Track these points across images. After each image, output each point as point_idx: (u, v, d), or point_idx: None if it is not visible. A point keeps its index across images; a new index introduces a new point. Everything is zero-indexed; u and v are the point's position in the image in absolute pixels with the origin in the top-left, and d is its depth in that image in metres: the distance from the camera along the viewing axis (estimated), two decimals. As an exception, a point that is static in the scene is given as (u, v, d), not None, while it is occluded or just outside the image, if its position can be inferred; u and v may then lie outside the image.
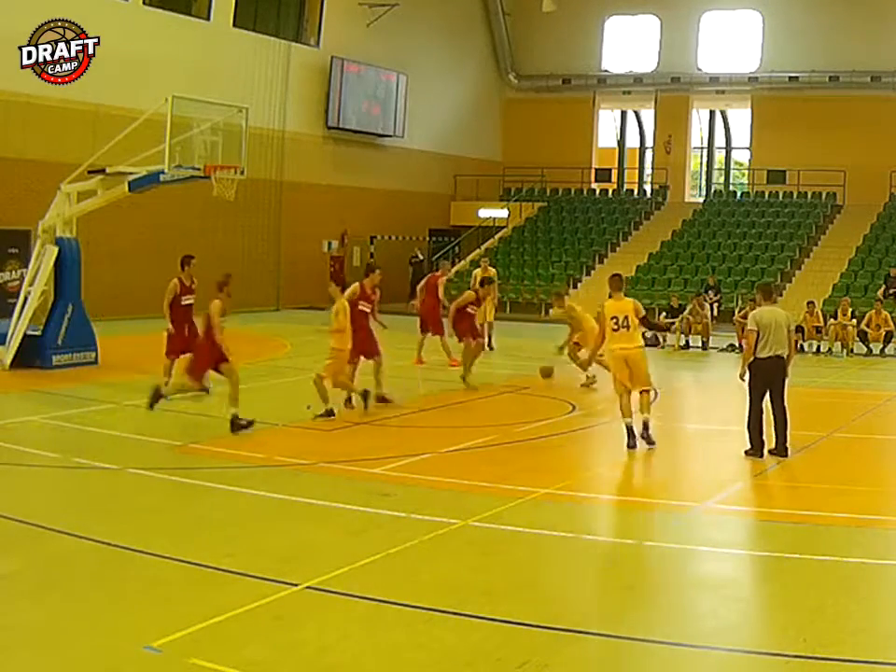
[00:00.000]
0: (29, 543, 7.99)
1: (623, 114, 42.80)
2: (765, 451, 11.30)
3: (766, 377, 11.27)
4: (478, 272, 22.89)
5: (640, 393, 11.98)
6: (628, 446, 11.73)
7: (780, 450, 11.31)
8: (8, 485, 9.97)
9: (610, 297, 12.30)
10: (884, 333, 22.82)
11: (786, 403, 11.38)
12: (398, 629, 6.41)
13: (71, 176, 17.73)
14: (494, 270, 23.43)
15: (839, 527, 8.73)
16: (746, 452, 11.35)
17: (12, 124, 23.70)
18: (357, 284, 14.51)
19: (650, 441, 11.85)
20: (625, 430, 11.80)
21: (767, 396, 11.36)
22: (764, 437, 11.33)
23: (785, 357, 11.36)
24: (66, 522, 8.45)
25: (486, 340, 21.74)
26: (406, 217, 36.18)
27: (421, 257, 35.88)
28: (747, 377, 11.44)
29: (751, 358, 11.35)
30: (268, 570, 7.28)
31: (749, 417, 11.36)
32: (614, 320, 11.93)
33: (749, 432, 11.34)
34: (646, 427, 11.85)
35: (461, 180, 38.59)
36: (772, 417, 11.38)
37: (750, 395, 11.40)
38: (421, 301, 19.84)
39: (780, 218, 35.02)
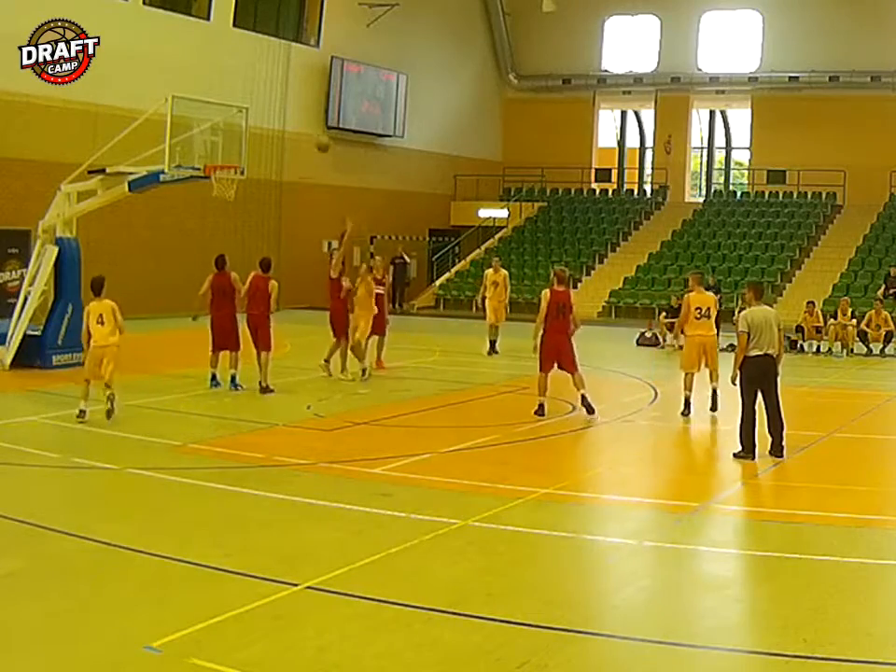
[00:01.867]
0: (29, 543, 7.98)
1: (623, 114, 42.81)
2: (757, 453, 11.24)
3: (757, 376, 11.23)
4: (489, 272, 22.32)
5: (711, 372, 14.21)
6: (682, 414, 13.96)
7: (777, 451, 11.29)
8: (8, 485, 9.96)
9: (691, 291, 14.49)
10: (884, 333, 22.80)
11: (780, 403, 11.36)
12: (397, 629, 6.41)
13: (71, 176, 17.73)
14: (505, 271, 22.70)
15: (839, 527, 8.73)
16: (735, 454, 11.30)
17: (12, 124, 23.70)
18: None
19: (714, 408, 14.07)
20: (683, 401, 14.00)
21: (760, 398, 11.33)
22: (756, 439, 11.29)
23: (775, 356, 11.35)
24: (66, 522, 8.45)
25: (488, 346, 21.41)
26: (406, 216, 36.17)
27: (408, 259, 35.01)
28: (738, 379, 11.44)
29: (742, 359, 11.35)
30: (268, 570, 7.28)
31: (742, 419, 11.31)
32: (698, 310, 14.14)
33: (741, 434, 11.29)
34: (714, 394, 14.09)
35: (461, 180, 38.59)
36: (766, 418, 11.34)
37: (742, 396, 11.37)
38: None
39: (780, 218, 35.03)
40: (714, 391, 14.10)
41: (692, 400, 14.03)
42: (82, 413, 12.81)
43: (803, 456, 11.66)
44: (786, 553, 8.07)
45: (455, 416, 14.19)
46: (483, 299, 21.87)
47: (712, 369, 14.22)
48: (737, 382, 11.37)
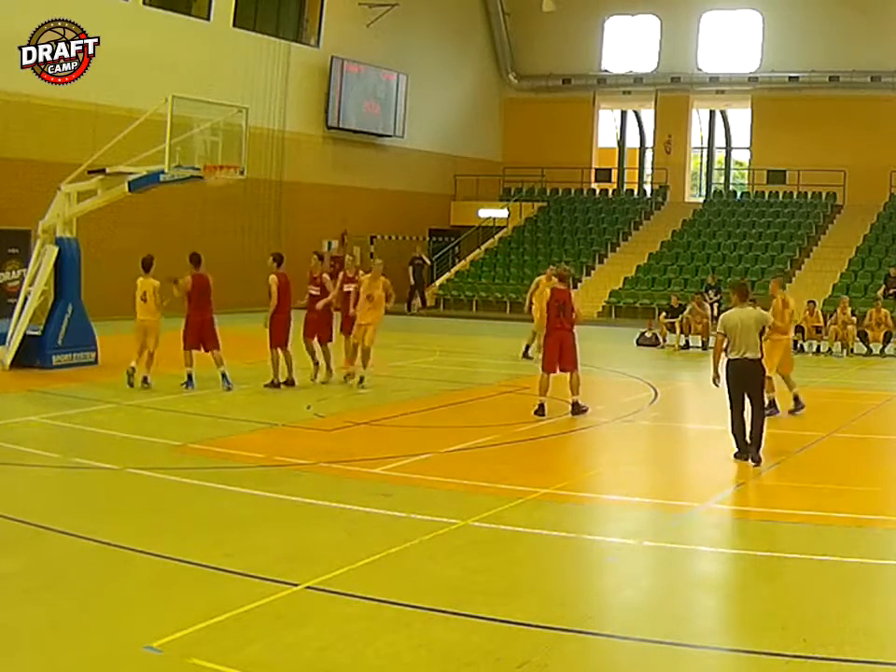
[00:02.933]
0: (29, 543, 7.98)
1: (623, 114, 42.82)
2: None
3: (737, 379, 11.02)
4: (542, 279, 20.46)
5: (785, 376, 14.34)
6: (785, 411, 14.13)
7: (753, 455, 10.99)
8: (8, 485, 9.97)
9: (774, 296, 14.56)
10: (884, 333, 22.81)
11: (763, 408, 11.20)
12: (397, 629, 6.41)
13: (71, 176, 17.73)
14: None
15: (839, 527, 8.73)
16: (734, 455, 11.21)
17: (12, 124, 23.71)
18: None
19: (798, 408, 14.24)
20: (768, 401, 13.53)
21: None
22: (748, 438, 11.15)
23: (757, 359, 11.05)
24: (66, 522, 8.45)
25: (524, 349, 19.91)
26: (406, 216, 36.18)
27: (427, 260, 34.69)
28: (721, 381, 11.28)
29: (721, 360, 11.16)
30: (268, 570, 7.28)
31: (731, 420, 11.16)
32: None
33: (733, 436, 11.18)
34: (796, 399, 14.28)
35: (461, 180, 38.60)
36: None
37: (729, 398, 11.17)
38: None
39: (780, 218, 35.03)
40: (795, 397, 14.27)
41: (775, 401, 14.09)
42: (145, 379, 15.06)
43: (803, 456, 11.66)
44: (786, 552, 8.07)
45: (455, 416, 14.19)
46: (531, 304, 20.34)
47: (786, 374, 14.41)
48: (718, 384, 11.31)
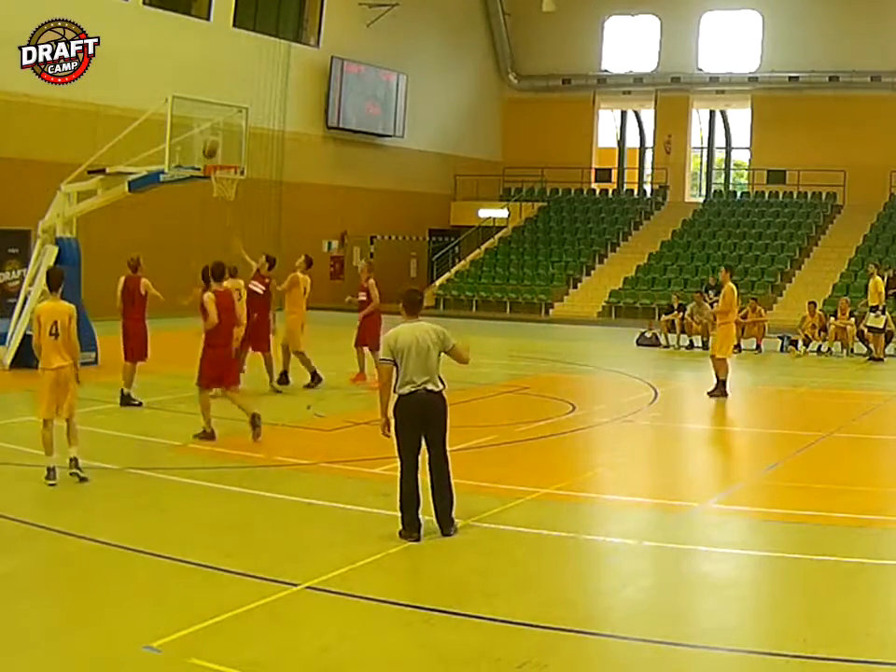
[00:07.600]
0: (29, 543, 7.99)
1: (623, 114, 42.83)
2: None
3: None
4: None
5: None
6: None
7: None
8: (8, 485, 9.97)
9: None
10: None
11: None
12: (398, 629, 6.41)
13: (71, 176, 17.73)
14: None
15: (839, 527, 8.72)
16: None
17: (12, 124, 23.71)
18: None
19: None
20: None
21: None
22: None
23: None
24: (66, 522, 8.45)
25: None
26: (406, 216, 36.18)
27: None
28: None
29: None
30: (268, 570, 7.28)
31: None
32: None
33: None
34: None
35: (461, 180, 38.60)
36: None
37: None
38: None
39: (780, 218, 35.03)
40: None
41: None
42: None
43: (803, 456, 11.66)
44: (786, 552, 8.07)
45: (456, 416, 14.12)
46: None
47: None
48: None
